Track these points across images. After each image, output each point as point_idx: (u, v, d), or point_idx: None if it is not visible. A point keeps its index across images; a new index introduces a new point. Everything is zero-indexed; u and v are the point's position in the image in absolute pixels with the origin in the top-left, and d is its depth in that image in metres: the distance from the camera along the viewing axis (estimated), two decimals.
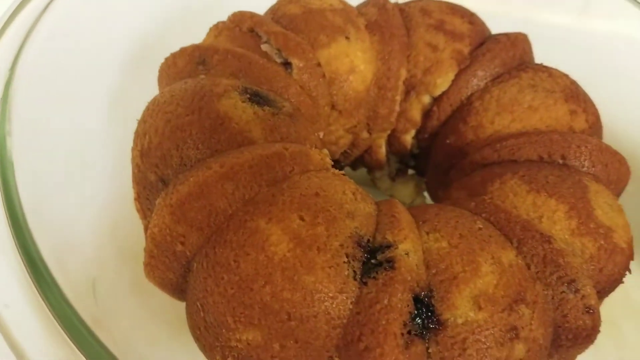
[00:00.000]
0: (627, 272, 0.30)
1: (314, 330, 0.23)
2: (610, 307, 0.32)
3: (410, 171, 0.46)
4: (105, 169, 0.39)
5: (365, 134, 0.40)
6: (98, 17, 0.45)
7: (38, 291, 0.25)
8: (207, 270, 0.25)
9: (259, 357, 0.24)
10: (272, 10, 0.39)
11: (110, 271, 0.32)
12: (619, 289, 0.31)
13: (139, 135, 0.30)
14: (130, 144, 0.32)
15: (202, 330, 0.26)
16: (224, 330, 0.24)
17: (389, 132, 0.41)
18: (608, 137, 0.38)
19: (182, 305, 0.29)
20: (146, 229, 0.29)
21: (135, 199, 0.31)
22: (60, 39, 0.39)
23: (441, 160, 0.39)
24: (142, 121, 0.30)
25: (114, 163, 0.39)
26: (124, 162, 0.33)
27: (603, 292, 0.30)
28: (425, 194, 0.44)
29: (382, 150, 0.42)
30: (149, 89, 0.35)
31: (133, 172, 0.30)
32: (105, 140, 0.41)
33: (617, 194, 0.34)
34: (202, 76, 0.32)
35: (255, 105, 0.30)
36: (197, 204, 0.26)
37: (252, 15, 0.36)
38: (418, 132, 0.40)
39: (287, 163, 0.28)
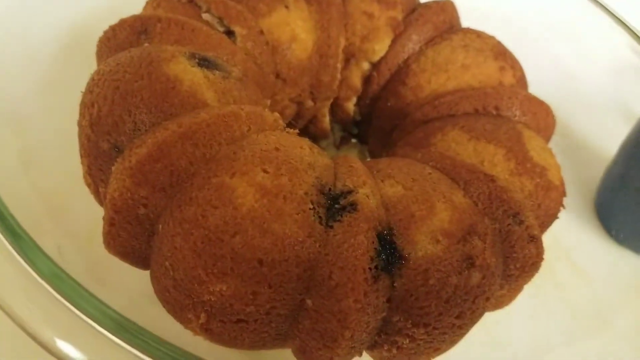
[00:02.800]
0: (561, 208, 0.33)
1: (286, 274, 0.24)
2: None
3: (353, 140, 0.47)
4: (47, 154, 0.37)
5: (309, 103, 0.41)
6: (25, 6, 0.44)
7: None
8: (174, 229, 0.25)
9: (232, 307, 0.24)
10: None
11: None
12: (548, 233, 0.34)
13: (86, 105, 0.29)
14: (70, 124, 0.31)
15: (171, 291, 0.26)
16: (196, 285, 0.24)
17: (331, 100, 0.42)
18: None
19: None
20: (102, 198, 0.28)
21: (85, 174, 0.30)
22: None
23: (383, 123, 0.41)
24: (88, 92, 0.29)
25: (56, 146, 0.38)
26: (66, 143, 0.33)
27: (542, 226, 0.32)
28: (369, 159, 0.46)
29: (326, 119, 0.43)
30: (83, 73, 0.34)
31: (82, 145, 0.30)
32: (40, 128, 0.40)
33: (546, 140, 0.37)
34: (146, 44, 0.31)
35: (205, 70, 0.30)
36: (157, 164, 0.26)
37: None
38: (359, 99, 0.42)
39: (243, 122, 0.28)
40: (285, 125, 0.31)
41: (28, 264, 0.27)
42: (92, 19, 0.45)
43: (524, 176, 0.31)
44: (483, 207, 0.29)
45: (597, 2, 0.58)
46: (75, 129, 0.31)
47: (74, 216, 0.36)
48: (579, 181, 0.51)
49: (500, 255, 0.29)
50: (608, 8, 0.57)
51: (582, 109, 0.56)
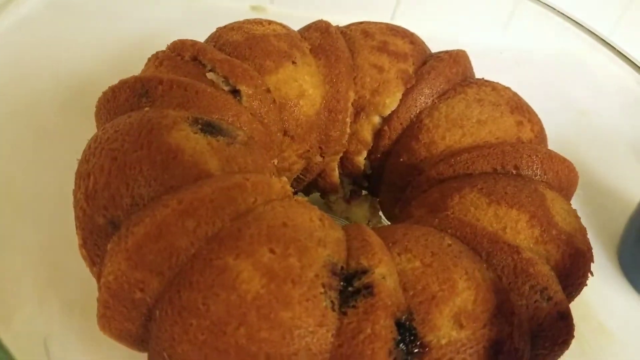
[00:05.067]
0: (589, 275, 0.31)
1: None
2: None
3: (363, 192, 0.45)
4: (40, 216, 0.36)
5: (318, 158, 0.39)
6: (26, 57, 0.43)
7: None
8: (172, 317, 0.23)
9: None
10: (213, 39, 0.38)
11: (60, 327, 0.29)
12: None
13: (82, 176, 0.27)
14: (63, 186, 0.29)
15: None
16: None
17: (341, 154, 0.40)
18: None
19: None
20: (97, 277, 0.26)
21: (80, 246, 0.28)
22: None
23: (395, 178, 0.39)
24: (84, 161, 0.28)
25: (48, 209, 0.36)
26: (59, 207, 0.31)
27: (570, 297, 0.30)
28: (380, 213, 0.44)
29: (335, 173, 0.41)
30: (80, 131, 0.33)
31: (77, 217, 0.28)
32: (35, 184, 0.38)
33: (568, 199, 0.35)
34: (147, 108, 0.30)
35: (209, 136, 0.28)
36: (155, 245, 0.24)
37: (193, 43, 0.35)
38: (370, 153, 0.40)
39: (249, 194, 0.26)
40: (293, 190, 0.30)
41: None
42: (93, 72, 0.44)
43: (549, 244, 0.29)
44: (508, 282, 0.27)
45: (601, 38, 0.57)
46: (70, 185, 0.29)
47: (66, 281, 0.34)
48: (599, 231, 0.48)
49: (529, 335, 0.26)
50: (612, 44, 0.56)
51: (597, 151, 0.54)
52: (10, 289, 0.31)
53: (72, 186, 0.29)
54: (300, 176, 0.41)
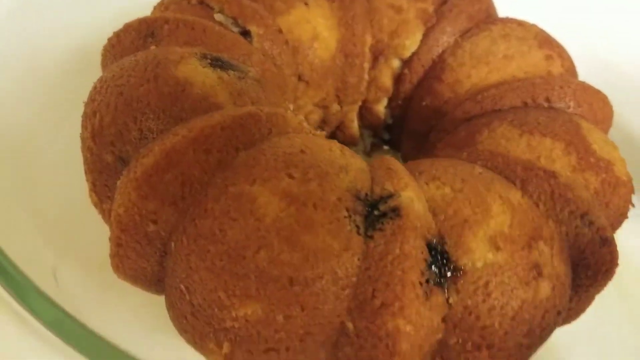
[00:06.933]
0: (630, 206, 0.29)
1: (321, 294, 0.20)
2: None
3: (385, 147, 0.43)
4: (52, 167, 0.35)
5: (335, 107, 0.38)
6: (39, 19, 0.42)
7: None
8: (188, 247, 0.21)
9: (259, 334, 0.21)
10: None
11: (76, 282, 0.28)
12: None
13: (88, 116, 0.26)
14: (76, 147, 0.28)
15: (189, 318, 0.22)
16: (216, 310, 0.21)
17: (359, 103, 0.39)
18: None
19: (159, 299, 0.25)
20: (107, 216, 0.25)
21: (90, 191, 0.27)
22: None
23: (418, 125, 0.37)
24: (90, 101, 0.27)
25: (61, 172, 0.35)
26: (72, 170, 0.30)
27: (611, 228, 0.28)
28: None
29: (355, 125, 0.40)
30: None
31: (85, 159, 0.27)
32: (48, 145, 0.37)
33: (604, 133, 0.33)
34: (153, 47, 0.29)
35: (219, 70, 0.27)
36: (167, 174, 0.22)
37: None
38: (390, 100, 0.38)
39: (263, 124, 0.25)
40: (310, 128, 0.28)
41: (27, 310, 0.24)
42: (99, 34, 0.43)
43: (587, 172, 0.27)
44: (545, 209, 0.25)
45: None
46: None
47: (83, 243, 0.33)
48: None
49: (569, 262, 0.24)
50: None
51: (626, 97, 0.51)
52: (25, 253, 0.30)
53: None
54: (318, 129, 0.39)
